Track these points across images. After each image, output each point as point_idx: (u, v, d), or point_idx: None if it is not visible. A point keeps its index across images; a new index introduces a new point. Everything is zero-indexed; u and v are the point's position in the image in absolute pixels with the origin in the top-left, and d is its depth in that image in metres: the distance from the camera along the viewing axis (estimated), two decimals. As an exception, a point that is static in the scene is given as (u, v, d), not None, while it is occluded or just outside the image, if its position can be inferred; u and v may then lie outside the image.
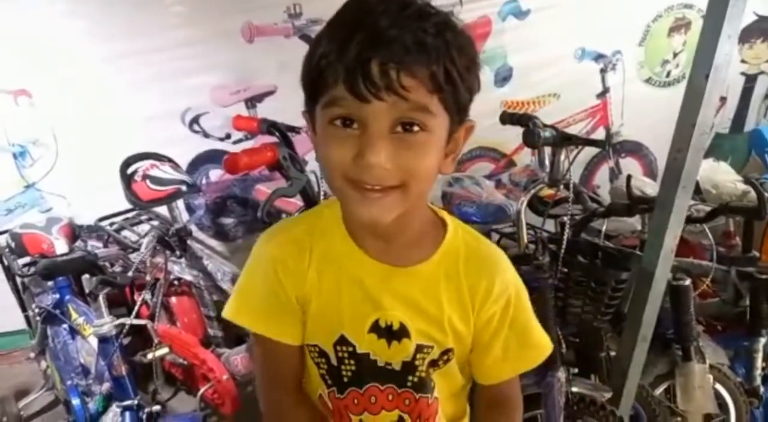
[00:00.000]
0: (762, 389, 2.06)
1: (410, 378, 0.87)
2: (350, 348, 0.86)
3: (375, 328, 0.84)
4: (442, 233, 0.87)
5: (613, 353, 1.87)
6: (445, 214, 0.90)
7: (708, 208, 1.98)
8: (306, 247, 0.85)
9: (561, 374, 1.63)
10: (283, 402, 0.92)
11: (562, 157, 1.63)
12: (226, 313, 0.90)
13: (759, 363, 2.04)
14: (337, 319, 0.85)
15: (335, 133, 0.71)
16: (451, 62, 0.68)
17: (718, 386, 1.97)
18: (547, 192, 2.01)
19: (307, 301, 0.85)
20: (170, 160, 2.45)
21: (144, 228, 2.66)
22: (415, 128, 0.70)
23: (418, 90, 0.67)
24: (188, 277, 2.47)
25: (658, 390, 1.98)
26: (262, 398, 0.95)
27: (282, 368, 0.90)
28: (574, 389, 1.68)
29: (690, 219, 1.92)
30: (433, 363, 0.87)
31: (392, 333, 0.84)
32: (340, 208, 0.85)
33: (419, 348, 0.85)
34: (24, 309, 2.66)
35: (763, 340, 2.02)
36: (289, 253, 0.85)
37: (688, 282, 1.86)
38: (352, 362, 0.86)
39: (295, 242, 0.85)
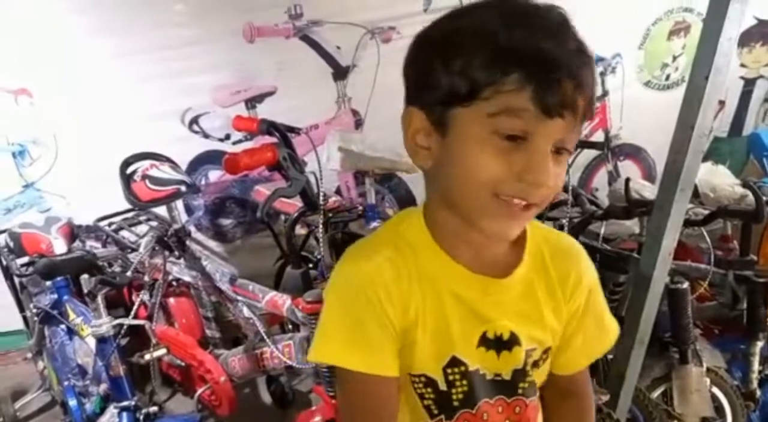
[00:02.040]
0: (758, 392, 2.06)
1: (521, 385, 0.85)
2: (462, 368, 0.81)
3: (483, 341, 0.81)
4: (523, 233, 0.84)
5: (610, 356, 1.87)
6: None
7: (706, 211, 1.98)
8: (401, 267, 0.78)
9: (559, 376, 1.62)
10: None
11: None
12: (317, 356, 0.80)
13: (756, 366, 2.04)
14: (447, 341, 0.80)
15: (498, 145, 0.67)
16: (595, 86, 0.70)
17: (715, 389, 1.97)
18: (545, 194, 2.00)
19: (412, 328, 0.79)
20: (170, 161, 2.45)
21: (143, 228, 2.66)
22: (566, 148, 0.71)
23: (583, 112, 0.68)
24: (187, 278, 2.47)
25: (655, 393, 1.98)
26: None
27: (385, 411, 0.81)
28: (572, 391, 1.67)
29: (688, 223, 1.93)
30: (535, 364, 0.86)
31: (502, 343, 0.81)
32: (436, 220, 0.79)
33: (527, 353, 0.83)
34: (22, 309, 2.66)
35: (760, 344, 2.02)
36: (389, 275, 0.77)
37: (685, 285, 1.87)
38: (464, 382, 0.82)
39: (390, 261, 0.78)
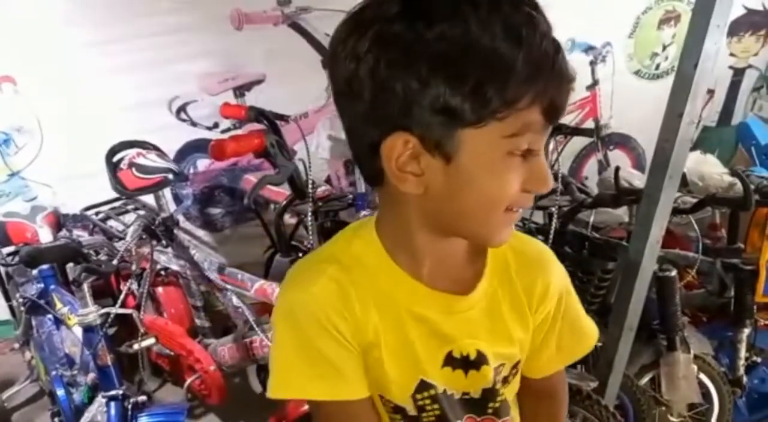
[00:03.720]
0: (745, 379, 2.08)
1: (491, 404, 0.82)
2: (432, 392, 0.78)
3: (449, 361, 0.77)
4: None
5: (599, 343, 1.88)
6: None
7: (694, 200, 1.99)
8: (348, 287, 0.72)
9: (547, 364, 1.63)
10: None
11: (551, 147, 1.63)
12: (278, 391, 0.74)
13: (742, 353, 2.06)
14: (412, 362, 0.76)
15: (513, 163, 0.64)
16: None
17: (702, 376, 1.99)
18: (535, 183, 2.01)
19: (374, 347, 0.74)
20: (157, 149, 2.42)
21: (131, 218, 2.64)
22: None
23: None
24: (175, 267, 2.45)
25: (644, 380, 2.00)
26: None
27: None
28: (560, 378, 1.68)
29: (676, 211, 1.93)
30: (505, 380, 0.83)
31: (469, 363, 0.78)
32: (401, 237, 0.73)
33: (496, 371, 0.80)
34: (8, 299, 2.64)
35: (746, 331, 2.05)
36: (335, 296, 0.72)
37: (673, 273, 1.88)
38: (435, 407, 0.79)
39: (335, 281, 0.72)
